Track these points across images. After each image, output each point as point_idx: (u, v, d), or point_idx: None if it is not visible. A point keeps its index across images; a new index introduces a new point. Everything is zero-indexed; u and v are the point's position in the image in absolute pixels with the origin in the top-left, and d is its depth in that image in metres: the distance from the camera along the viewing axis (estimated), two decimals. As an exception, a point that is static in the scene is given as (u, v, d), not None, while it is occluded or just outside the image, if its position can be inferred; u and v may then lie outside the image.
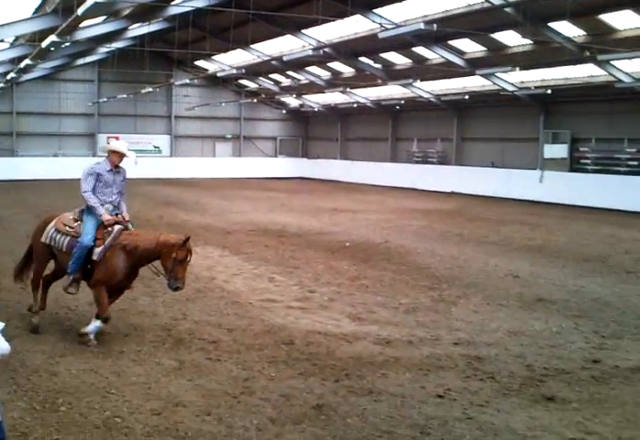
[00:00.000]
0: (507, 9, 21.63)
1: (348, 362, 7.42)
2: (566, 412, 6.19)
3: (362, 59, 32.29)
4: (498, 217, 22.65)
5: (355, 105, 39.21)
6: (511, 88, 29.56)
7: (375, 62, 32.55)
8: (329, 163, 44.67)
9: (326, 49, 29.43)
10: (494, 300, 10.59)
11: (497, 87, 29.78)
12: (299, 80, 38.59)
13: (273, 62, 34.34)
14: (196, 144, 45.73)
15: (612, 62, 24.19)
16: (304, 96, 41.84)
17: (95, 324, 7.90)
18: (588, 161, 28.47)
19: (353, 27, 27.10)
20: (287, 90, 41.45)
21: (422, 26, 19.07)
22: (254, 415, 5.94)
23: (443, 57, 28.03)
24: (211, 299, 10.21)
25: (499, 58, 26.72)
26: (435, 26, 19.27)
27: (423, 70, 29.58)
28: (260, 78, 41.86)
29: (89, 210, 8.18)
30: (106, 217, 8.07)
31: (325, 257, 14.39)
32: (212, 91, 44.25)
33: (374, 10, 24.82)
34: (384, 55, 31.52)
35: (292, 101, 44.95)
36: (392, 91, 36.26)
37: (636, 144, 26.77)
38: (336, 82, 36.02)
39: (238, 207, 24.91)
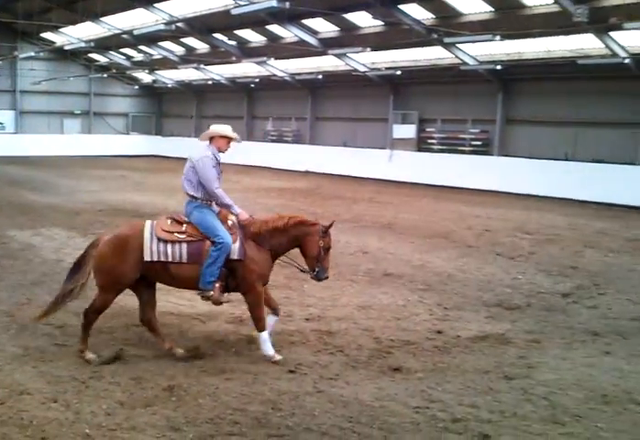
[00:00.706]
0: (359, -10, 22.02)
1: (201, 342, 7.41)
2: (411, 382, 6.48)
3: (217, 35, 31.92)
4: (350, 196, 23.20)
5: (210, 82, 38.74)
6: (362, 69, 30.16)
7: (230, 39, 32.23)
8: (184, 141, 43.91)
9: (180, 24, 28.85)
10: (345, 276, 10.89)
11: (349, 67, 30.30)
12: (151, 55, 37.59)
13: (124, 36, 33.25)
14: (43, 120, 43.59)
15: (457, 45, 25.22)
16: (157, 72, 40.86)
17: (265, 339, 6.99)
18: (434, 141, 29.68)
19: (207, 2, 26.69)
20: (139, 65, 40.29)
21: (274, 3, 19.11)
22: (103, 400, 5.83)
23: (297, 36, 28.18)
24: (58, 282, 9.62)
25: (351, 38, 27.18)
26: (287, 4, 19.33)
27: (277, 48, 29.62)
28: (111, 52, 40.39)
29: (199, 207, 7.00)
30: (244, 216, 7.05)
31: (179, 236, 14.19)
32: (60, 64, 42.21)
33: (228, -14, 24.57)
34: (239, 32, 31.29)
35: (145, 76, 43.78)
36: (247, 68, 36.08)
37: (479, 125, 28.15)
38: (190, 58, 35.40)
39: (88, 186, 24.07)
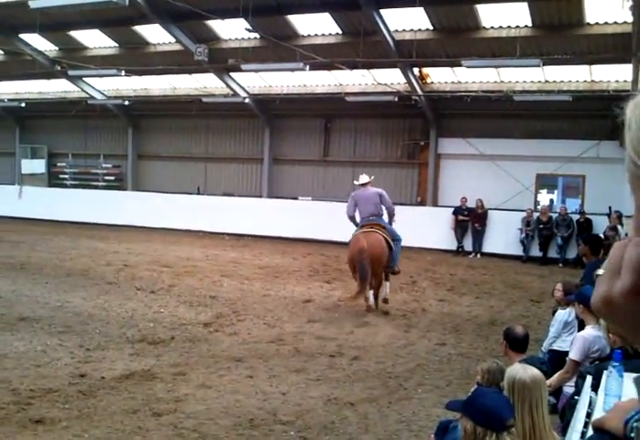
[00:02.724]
0: (-27, 15, 20.60)
1: None
2: (55, 433, 6.06)
3: None
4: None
5: None
6: (-17, 99, 28.13)
7: None
8: None
9: None
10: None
11: (-33, 97, 28.01)
12: None
13: None
14: None
15: (83, 79, 24.81)
16: None
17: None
18: (66, 176, 28.74)
19: None
20: None
21: None
22: None
23: None
24: None
25: (-35, 66, 25.19)
26: None
27: None
28: None
29: (384, 220, 11.99)
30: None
31: None
32: None
33: None
34: None
35: None
36: None
37: (112, 160, 27.95)
38: None
39: None
